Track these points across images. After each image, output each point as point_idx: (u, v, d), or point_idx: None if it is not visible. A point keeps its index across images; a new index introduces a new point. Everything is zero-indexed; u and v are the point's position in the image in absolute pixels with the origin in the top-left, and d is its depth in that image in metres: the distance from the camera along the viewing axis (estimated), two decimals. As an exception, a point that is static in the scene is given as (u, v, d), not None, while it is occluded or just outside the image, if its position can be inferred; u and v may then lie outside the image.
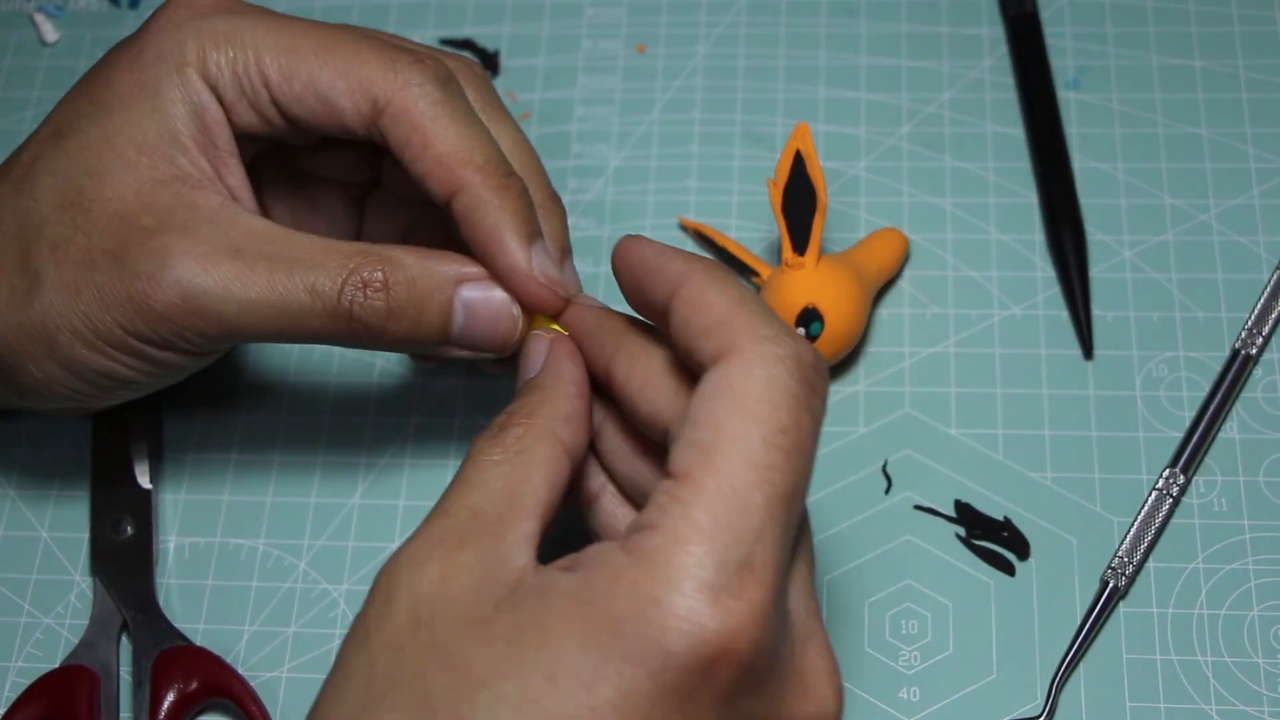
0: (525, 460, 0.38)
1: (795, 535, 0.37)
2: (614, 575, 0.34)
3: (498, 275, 0.43)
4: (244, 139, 0.44)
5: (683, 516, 0.34)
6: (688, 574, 0.34)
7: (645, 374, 0.40)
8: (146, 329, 0.42)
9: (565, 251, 0.45)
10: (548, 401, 0.40)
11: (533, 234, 0.43)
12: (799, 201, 0.49)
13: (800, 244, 0.49)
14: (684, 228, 0.54)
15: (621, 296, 0.41)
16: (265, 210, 0.48)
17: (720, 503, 0.34)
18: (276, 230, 0.43)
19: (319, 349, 0.53)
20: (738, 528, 0.34)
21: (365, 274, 0.42)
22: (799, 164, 0.49)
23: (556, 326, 0.43)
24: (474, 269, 0.43)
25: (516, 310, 0.43)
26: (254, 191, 0.45)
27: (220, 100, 0.43)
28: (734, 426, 0.35)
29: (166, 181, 0.43)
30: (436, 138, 0.43)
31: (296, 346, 0.53)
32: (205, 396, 0.53)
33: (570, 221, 0.55)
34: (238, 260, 0.42)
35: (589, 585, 0.35)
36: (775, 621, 0.35)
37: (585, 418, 0.41)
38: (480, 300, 0.43)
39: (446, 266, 0.43)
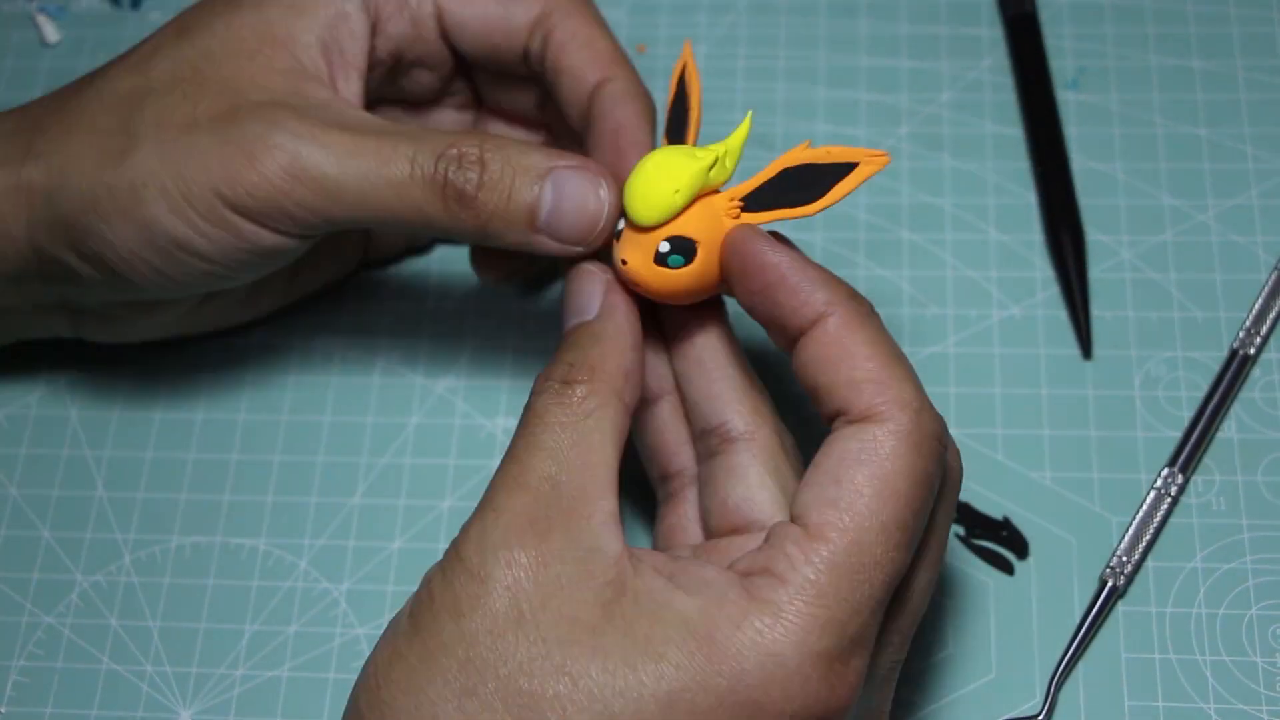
0: (594, 425, 0.38)
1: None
2: (736, 618, 0.35)
3: (617, 159, 0.44)
4: (380, 62, 0.47)
5: (813, 579, 0.35)
6: (812, 639, 0.35)
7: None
8: (243, 193, 0.42)
9: None
10: (610, 356, 0.40)
11: (653, 136, 0.45)
12: (680, 124, 0.45)
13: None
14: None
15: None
16: None
17: (850, 574, 0.36)
18: (382, 120, 0.44)
19: (319, 349, 0.53)
20: (859, 603, 0.36)
21: (462, 148, 0.42)
22: (681, 87, 0.45)
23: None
24: (567, 158, 0.43)
25: (604, 194, 0.42)
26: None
27: (368, 10, 0.45)
28: (875, 499, 0.36)
29: (283, 71, 0.44)
30: (602, 36, 0.46)
31: (297, 347, 0.53)
32: (206, 396, 0.53)
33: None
34: (345, 131, 0.42)
35: (709, 620, 0.35)
36: (863, 688, 0.37)
37: (641, 372, 0.41)
38: (571, 186, 0.42)
39: (541, 154, 0.43)
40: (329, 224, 0.43)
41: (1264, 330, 0.50)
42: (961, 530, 0.49)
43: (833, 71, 0.58)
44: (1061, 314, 0.52)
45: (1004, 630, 0.47)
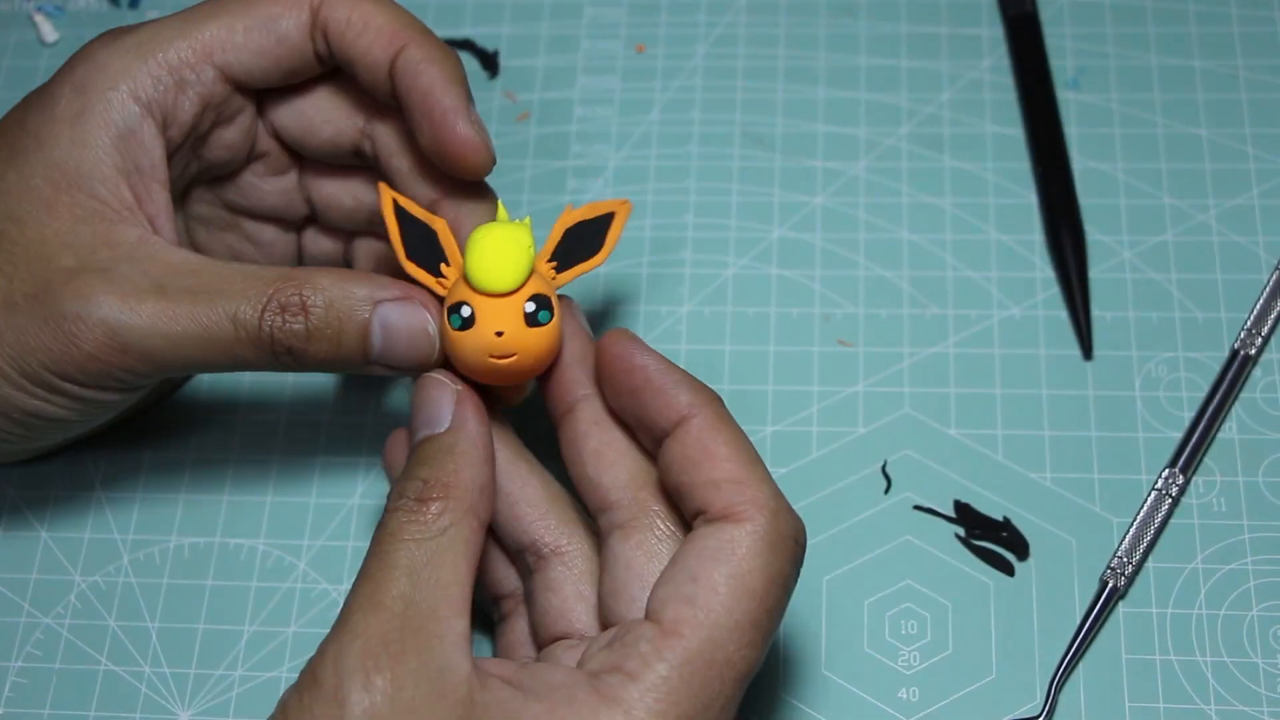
0: (448, 543, 0.38)
1: None
2: (585, 718, 0.36)
3: (437, 125, 0.43)
4: (181, 151, 0.45)
5: (665, 675, 0.36)
6: None
7: (608, 444, 0.41)
8: (73, 370, 0.42)
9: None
10: (464, 470, 0.40)
11: (468, 95, 0.44)
12: (423, 243, 0.44)
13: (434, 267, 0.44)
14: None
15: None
16: (199, 248, 0.49)
17: (700, 672, 0.36)
18: (197, 261, 0.43)
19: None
20: (709, 699, 0.36)
21: (283, 299, 0.42)
22: (405, 214, 0.43)
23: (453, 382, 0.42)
24: (391, 290, 0.42)
25: (433, 329, 0.42)
26: (190, 229, 0.48)
27: (152, 110, 0.44)
28: (730, 597, 0.37)
29: (86, 218, 0.43)
30: (377, 11, 0.45)
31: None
32: (205, 397, 0.53)
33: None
34: (161, 297, 0.42)
35: None
36: None
37: (494, 485, 0.41)
38: (398, 320, 0.42)
39: (363, 287, 0.42)
40: (166, 376, 0.44)
41: (1265, 331, 0.50)
42: (961, 530, 0.49)
43: (833, 71, 0.58)
44: (1061, 314, 0.52)
45: (1004, 631, 0.47)
